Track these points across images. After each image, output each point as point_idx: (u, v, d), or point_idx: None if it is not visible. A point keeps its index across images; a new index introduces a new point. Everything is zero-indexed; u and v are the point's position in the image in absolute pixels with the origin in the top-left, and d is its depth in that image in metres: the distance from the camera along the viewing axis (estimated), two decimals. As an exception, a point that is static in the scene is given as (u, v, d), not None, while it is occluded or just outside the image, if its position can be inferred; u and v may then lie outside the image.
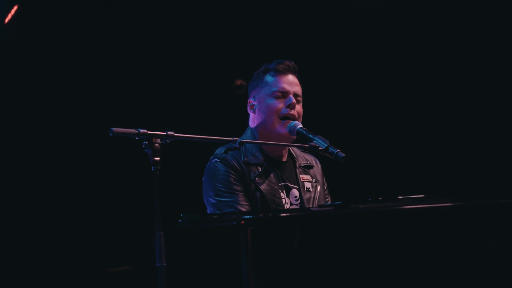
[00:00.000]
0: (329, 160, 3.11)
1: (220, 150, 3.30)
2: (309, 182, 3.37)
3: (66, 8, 5.11)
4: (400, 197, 2.57)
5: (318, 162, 3.51)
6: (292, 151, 3.42)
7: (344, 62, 5.57)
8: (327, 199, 3.47)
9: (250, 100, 3.41)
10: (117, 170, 5.27)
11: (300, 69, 3.43)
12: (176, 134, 2.72)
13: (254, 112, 3.37)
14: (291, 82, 3.34)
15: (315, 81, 5.20)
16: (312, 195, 3.34)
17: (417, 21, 5.41)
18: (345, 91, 5.60)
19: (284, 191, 3.28)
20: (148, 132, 2.66)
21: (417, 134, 5.49)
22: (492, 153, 5.27)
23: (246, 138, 3.32)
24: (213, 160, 3.26)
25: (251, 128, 3.38)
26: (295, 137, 3.26)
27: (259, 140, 3.31)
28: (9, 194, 5.11)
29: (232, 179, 3.19)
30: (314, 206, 3.30)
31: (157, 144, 2.66)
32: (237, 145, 2.94)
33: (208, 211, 3.24)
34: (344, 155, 3.03)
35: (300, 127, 3.23)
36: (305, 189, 3.34)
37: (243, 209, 3.13)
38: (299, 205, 3.29)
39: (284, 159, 3.38)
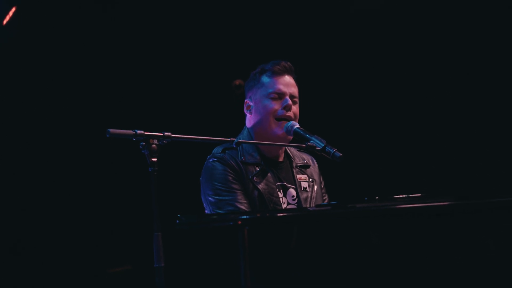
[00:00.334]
0: (326, 159, 3.12)
1: (217, 150, 3.31)
2: (306, 181, 3.38)
3: (64, 9, 5.11)
4: (396, 196, 2.58)
5: (315, 162, 3.52)
6: (288, 151, 3.43)
7: (343, 62, 5.56)
8: (324, 199, 3.48)
9: (247, 100, 3.41)
10: (115, 171, 5.27)
11: (300, 69, 3.42)
12: (173, 135, 2.72)
13: (250, 112, 3.38)
14: (287, 83, 3.35)
15: (314, 81, 5.21)
16: (309, 195, 3.35)
17: (417, 21, 5.40)
18: (344, 91, 5.60)
19: (281, 191, 3.28)
20: (145, 133, 2.66)
21: (414, 133, 5.49)
22: (489, 152, 5.27)
23: (242, 138, 3.33)
24: (211, 160, 3.27)
25: (247, 128, 3.38)
26: (291, 137, 3.27)
27: (256, 140, 3.32)
28: (9, 194, 5.11)
29: (230, 177, 3.20)
30: (311, 205, 3.31)
31: (154, 145, 2.66)
32: (234, 146, 2.95)
33: (207, 211, 3.24)
34: (341, 154, 3.03)
35: (297, 127, 3.23)
36: (302, 189, 3.34)
37: (243, 207, 3.14)
38: (296, 204, 3.30)
39: (281, 159, 3.38)
